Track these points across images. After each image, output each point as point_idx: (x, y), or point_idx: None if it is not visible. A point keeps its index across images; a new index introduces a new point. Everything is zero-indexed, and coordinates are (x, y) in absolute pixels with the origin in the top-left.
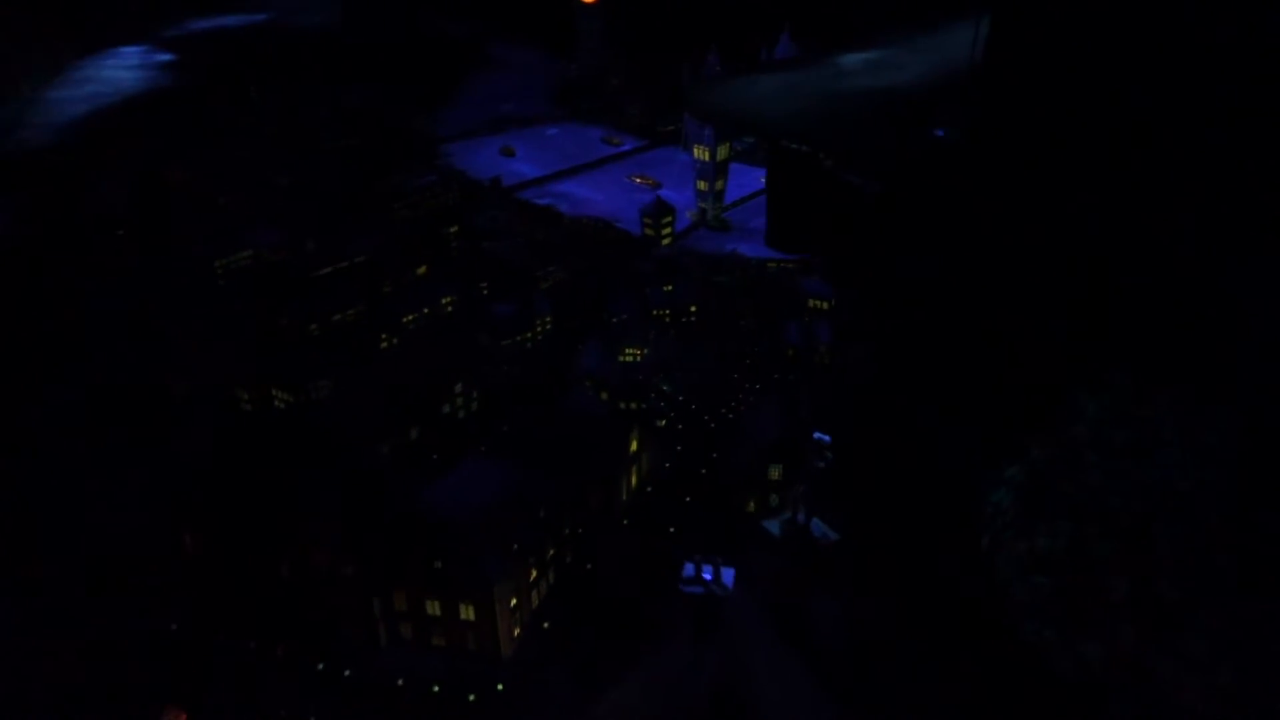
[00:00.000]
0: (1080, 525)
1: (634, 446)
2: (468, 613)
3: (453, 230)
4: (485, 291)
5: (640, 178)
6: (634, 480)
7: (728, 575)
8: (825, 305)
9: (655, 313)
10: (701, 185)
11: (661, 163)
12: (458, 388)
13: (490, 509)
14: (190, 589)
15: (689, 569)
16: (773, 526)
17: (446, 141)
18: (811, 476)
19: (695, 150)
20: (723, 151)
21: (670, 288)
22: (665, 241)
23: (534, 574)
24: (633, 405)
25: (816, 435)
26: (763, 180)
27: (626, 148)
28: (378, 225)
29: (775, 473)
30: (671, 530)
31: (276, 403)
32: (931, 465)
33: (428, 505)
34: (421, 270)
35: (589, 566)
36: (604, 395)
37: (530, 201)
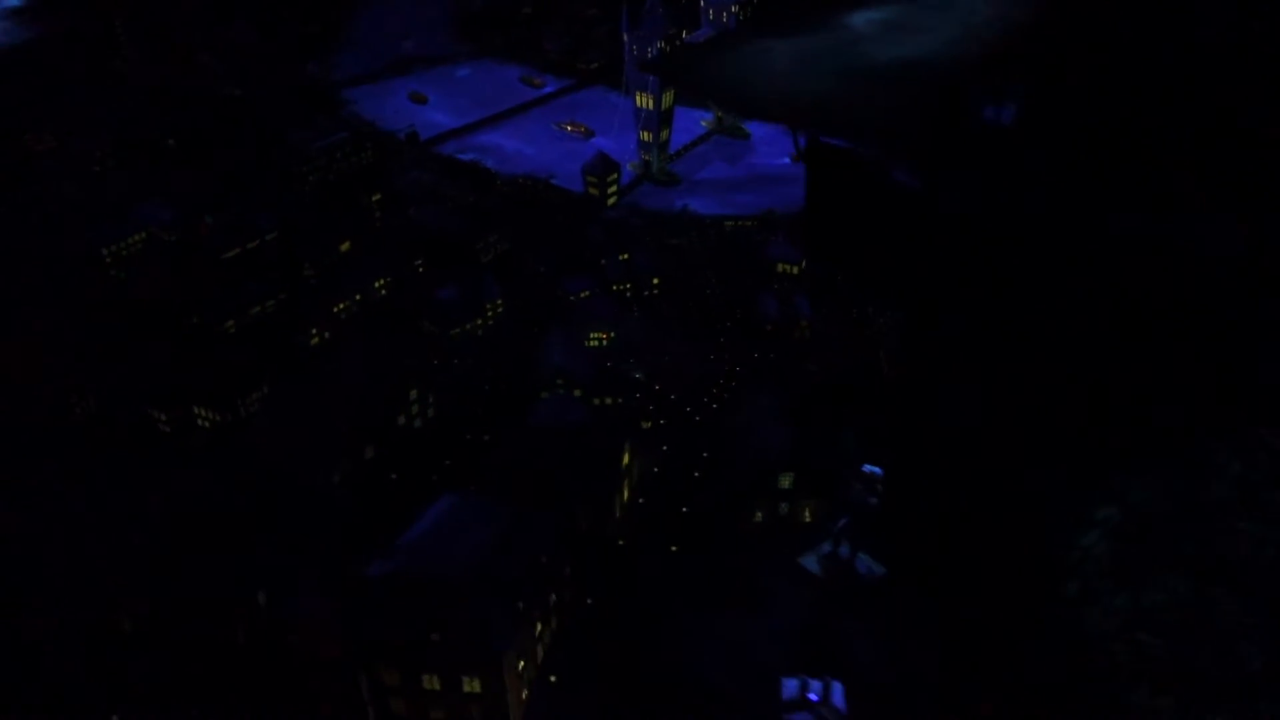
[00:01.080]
0: (1206, 584)
1: (625, 459)
2: (472, 685)
3: (375, 199)
4: (421, 270)
5: (571, 125)
6: (625, 494)
7: (837, 693)
8: (795, 270)
9: (615, 287)
10: (645, 136)
11: (590, 105)
12: (412, 394)
13: (485, 560)
14: (129, 683)
15: (791, 687)
16: (811, 563)
17: (346, 87)
18: (858, 510)
19: (637, 97)
20: (668, 99)
21: (626, 256)
22: (611, 201)
23: (539, 628)
24: (608, 401)
25: (867, 468)
26: (703, 124)
27: (549, 89)
28: (285, 194)
29: (786, 481)
30: (673, 549)
31: (201, 422)
32: (1008, 501)
33: (411, 558)
34: (345, 247)
35: (589, 601)
36: (577, 393)
37: (454, 158)
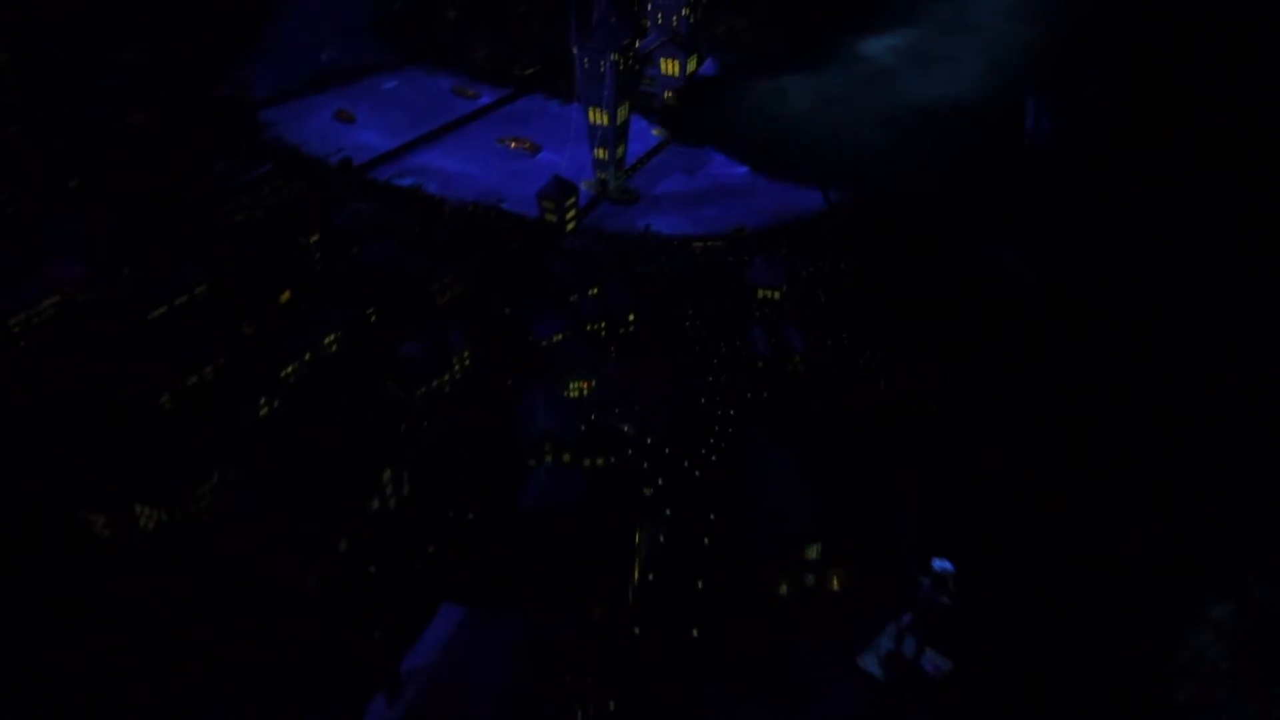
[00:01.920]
0: None
1: (635, 538)
2: None
3: (313, 239)
4: (373, 318)
5: (515, 140)
6: (636, 574)
7: None
8: (776, 295)
9: (589, 327)
10: (600, 153)
11: (531, 116)
12: (385, 474)
13: (506, 689)
14: None
15: None
16: (871, 664)
17: (263, 107)
18: (925, 608)
19: (591, 113)
20: (623, 113)
21: (596, 291)
22: (570, 227)
23: None
24: (599, 462)
25: (938, 565)
26: (655, 133)
27: (485, 100)
28: (212, 238)
29: (813, 552)
30: (694, 634)
31: (144, 523)
32: (1107, 592)
33: (422, 695)
34: (285, 297)
35: (611, 707)
36: (566, 457)
37: (392, 184)
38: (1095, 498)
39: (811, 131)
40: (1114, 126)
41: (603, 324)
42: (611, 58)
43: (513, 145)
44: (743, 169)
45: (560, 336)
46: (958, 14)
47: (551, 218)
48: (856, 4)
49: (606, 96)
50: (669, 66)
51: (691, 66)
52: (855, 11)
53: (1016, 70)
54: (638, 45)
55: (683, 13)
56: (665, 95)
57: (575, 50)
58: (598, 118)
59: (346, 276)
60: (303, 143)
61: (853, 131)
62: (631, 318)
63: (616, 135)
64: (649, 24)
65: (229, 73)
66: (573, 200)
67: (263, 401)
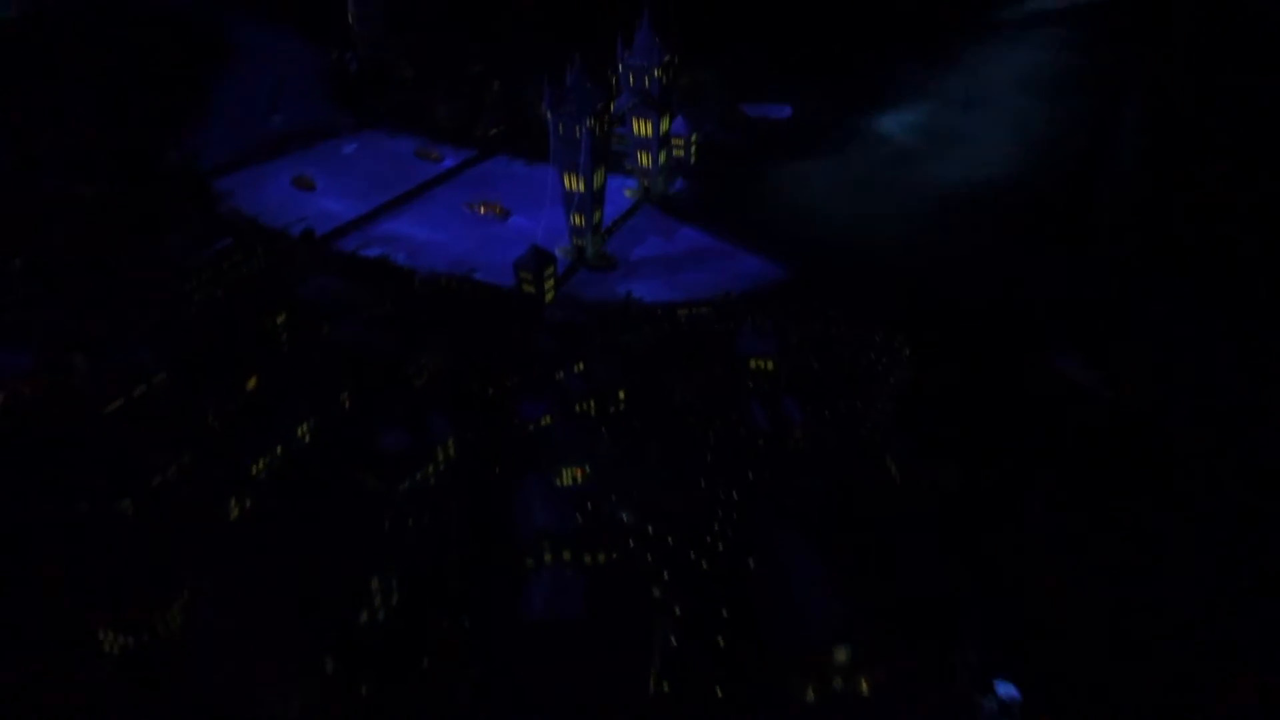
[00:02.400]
0: None
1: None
2: None
3: (279, 319)
4: (348, 404)
5: (484, 205)
6: (651, 684)
7: None
8: (769, 365)
9: (578, 407)
10: (577, 219)
11: (498, 179)
12: (374, 583)
13: None
14: None
15: None
16: None
17: (217, 175)
18: None
19: (566, 179)
20: (599, 178)
21: (582, 366)
22: (549, 297)
23: None
24: (601, 558)
25: (1003, 692)
26: (627, 193)
27: (449, 162)
28: (170, 321)
29: (842, 654)
30: None
31: (108, 649)
32: None
33: None
34: (252, 384)
35: None
36: (566, 555)
37: (358, 254)
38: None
39: (839, 221)
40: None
41: (591, 402)
42: (586, 123)
43: (482, 210)
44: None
45: (548, 419)
46: (969, 88)
47: (530, 289)
48: (863, 75)
49: (582, 162)
50: (642, 127)
51: (664, 127)
52: (864, 83)
53: (1046, 151)
54: (611, 108)
55: (655, 74)
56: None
57: (549, 115)
58: (573, 184)
59: (316, 359)
60: (261, 212)
61: (886, 223)
62: (622, 395)
63: (593, 201)
64: (621, 86)
65: (177, 139)
66: (551, 270)
67: (233, 503)
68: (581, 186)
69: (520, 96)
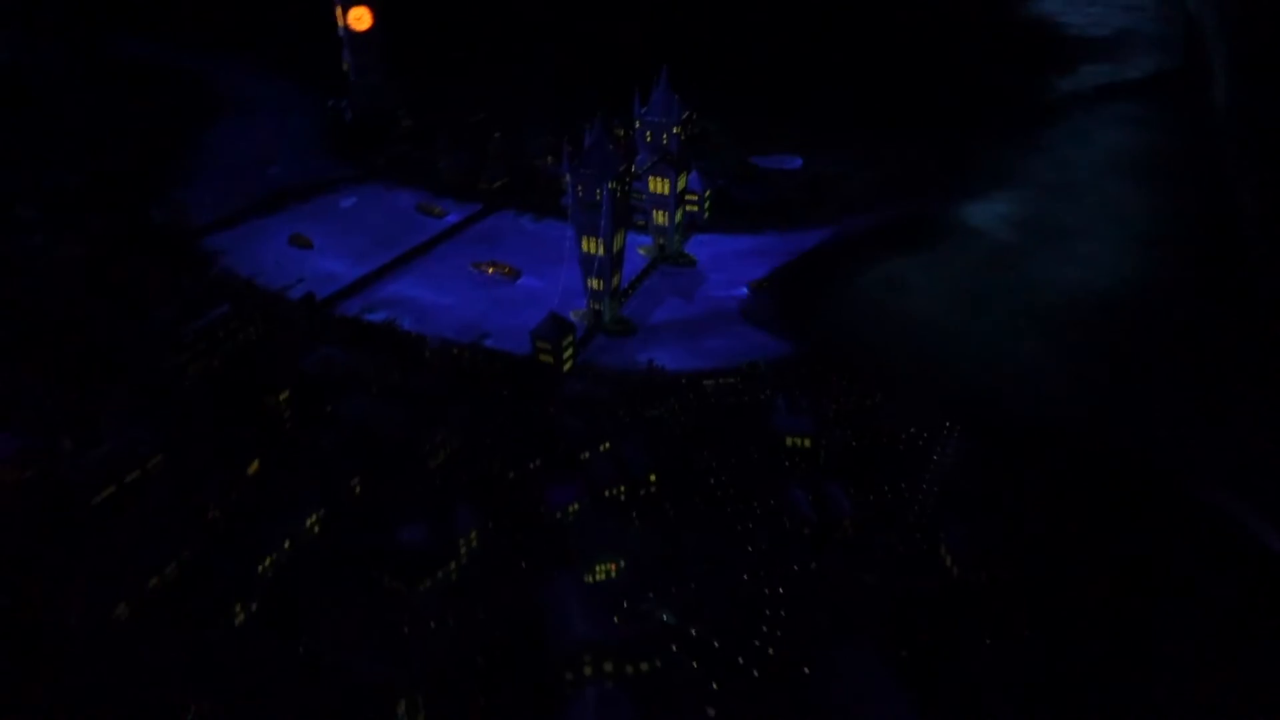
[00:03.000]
0: None
1: None
2: None
3: (282, 396)
4: (358, 489)
5: (492, 265)
6: None
7: None
8: (806, 443)
9: (607, 493)
10: (595, 284)
11: (503, 235)
12: (400, 708)
13: None
14: None
15: None
16: None
17: (208, 233)
18: None
19: (584, 242)
20: (619, 240)
21: (608, 446)
22: (567, 367)
23: None
24: (644, 667)
25: None
26: (641, 251)
27: (453, 218)
28: (164, 399)
29: None
30: None
31: None
32: None
33: None
34: (254, 469)
35: None
36: (608, 666)
37: (362, 319)
38: None
39: (941, 334)
40: None
41: (622, 489)
42: (608, 185)
43: (490, 270)
44: (741, 290)
45: (576, 506)
46: (1058, 173)
47: (548, 359)
48: (938, 155)
49: (603, 226)
50: (658, 185)
51: (681, 184)
52: (941, 165)
53: (1166, 246)
54: (632, 168)
55: (674, 130)
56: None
57: (568, 178)
58: (592, 247)
59: (324, 439)
60: (257, 274)
61: (999, 338)
62: (653, 478)
63: (613, 264)
64: (636, 143)
65: (165, 195)
66: (570, 339)
67: (238, 607)
68: (601, 250)
69: (524, 147)
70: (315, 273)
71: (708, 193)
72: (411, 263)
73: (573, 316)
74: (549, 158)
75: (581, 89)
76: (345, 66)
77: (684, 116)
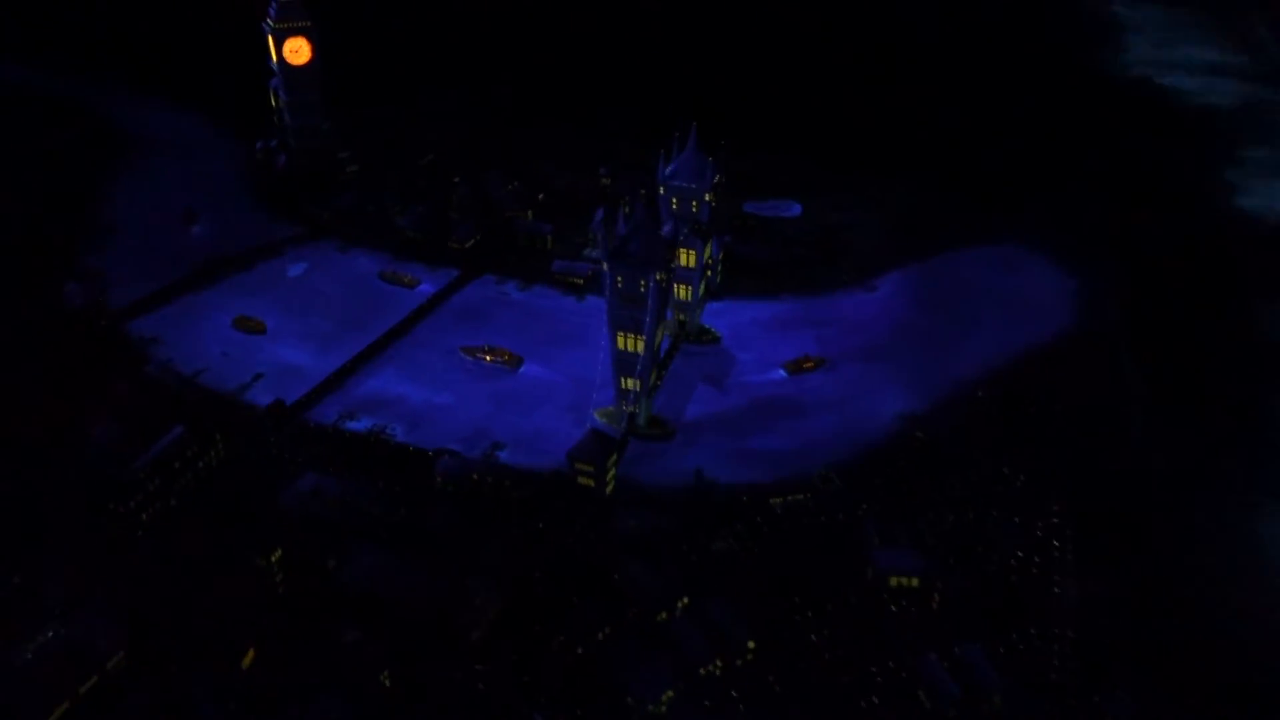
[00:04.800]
0: None
1: None
2: None
3: (274, 557)
4: (388, 682)
5: (488, 352)
6: None
7: None
8: (913, 583)
9: (702, 671)
10: (629, 384)
11: (489, 308)
12: None
13: None
14: None
15: None
16: None
17: (132, 316)
18: None
19: (620, 339)
20: (660, 333)
21: (686, 602)
22: (609, 489)
23: None
24: None
25: None
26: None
27: (427, 288)
28: (114, 568)
29: None
30: None
31: None
32: None
33: None
34: (248, 660)
35: None
36: None
37: (343, 429)
38: None
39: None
40: None
41: (718, 662)
42: (655, 277)
43: (487, 358)
44: (776, 373)
45: (670, 694)
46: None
47: (588, 483)
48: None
49: (648, 323)
50: (686, 258)
51: (707, 254)
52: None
53: None
54: (675, 251)
55: (705, 198)
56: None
57: (606, 267)
58: (630, 344)
59: (330, 611)
60: (203, 370)
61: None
62: (751, 646)
63: (652, 363)
64: (662, 211)
65: (74, 266)
66: (615, 458)
67: None
68: (641, 348)
69: (489, 196)
70: (272, 365)
71: (720, 255)
72: (388, 348)
73: (599, 419)
74: (529, 212)
75: (541, 125)
76: (275, 103)
77: (715, 181)
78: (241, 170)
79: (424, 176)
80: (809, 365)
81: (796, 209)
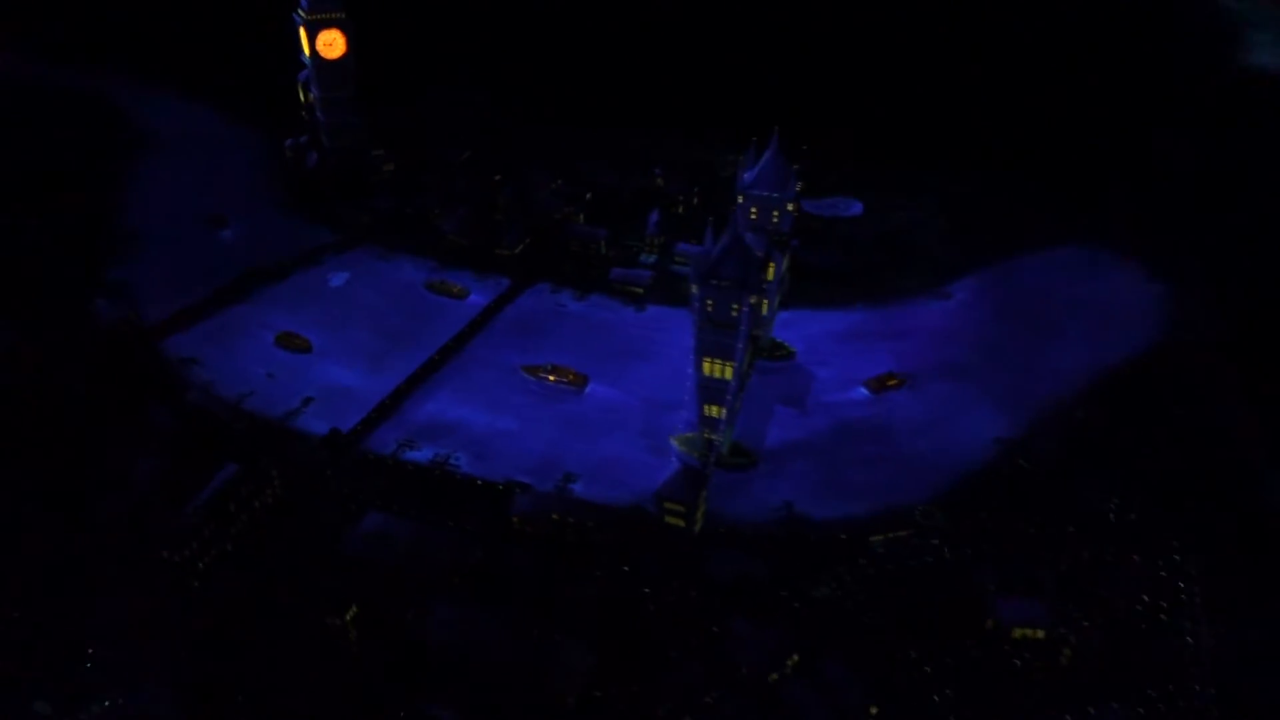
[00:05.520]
0: None
1: None
2: None
3: (349, 615)
4: None
5: (551, 372)
6: None
7: None
8: (1038, 634)
9: None
10: (713, 411)
11: (545, 320)
12: None
13: None
14: None
15: None
16: None
17: (167, 334)
18: None
19: (707, 365)
20: (750, 358)
21: (797, 660)
22: (698, 526)
23: None
24: None
25: None
26: None
27: (477, 299)
28: (167, 626)
29: None
30: None
31: None
32: None
33: None
34: None
35: None
36: None
37: (402, 459)
38: None
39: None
40: None
41: None
42: (749, 300)
43: (550, 378)
44: (858, 391)
45: None
46: None
47: (678, 522)
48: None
49: (740, 348)
50: (765, 271)
51: (786, 265)
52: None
53: None
54: (772, 274)
55: (788, 207)
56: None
57: (696, 289)
58: (718, 370)
59: (409, 678)
60: (247, 395)
61: None
62: (874, 711)
63: (739, 390)
64: (739, 221)
65: (103, 279)
66: (704, 494)
67: None
68: (729, 374)
69: (534, 196)
70: (321, 387)
71: (786, 261)
72: (443, 367)
73: (677, 446)
74: (580, 215)
75: (580, 121)
76: (304, 98)
77: (798, 190)
78: (269, 169)
79: (463, 175)
80: (893, 383)
81: (858, 208)
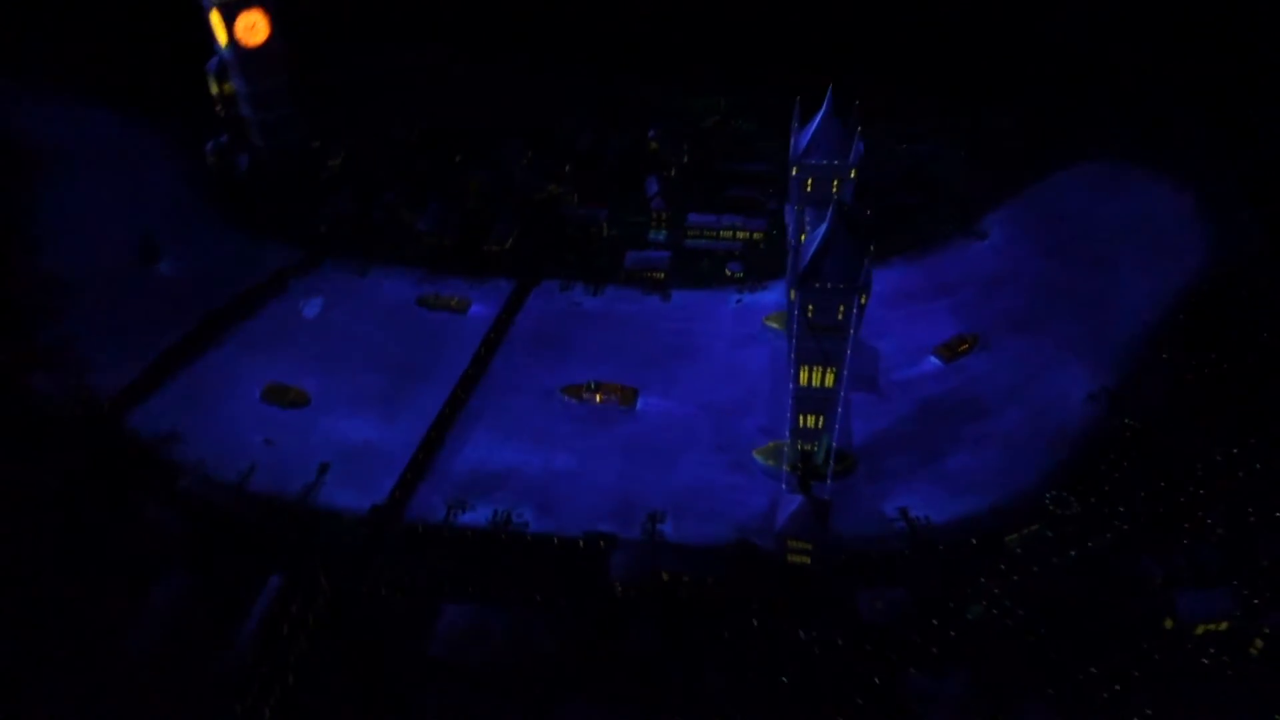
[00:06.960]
0: None
1: None
2: None
3: None
4: None
5: (599, 390)
6: None
7: None
8: (1222, 627)
9: None
10: (809, 421)
11: (565, 325)
12: None
13: None
14: None
15: None
16: None
17: (125, 404)
18: None
19: (803, 373)
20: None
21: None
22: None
23: None
24: None
25: None
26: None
27: (481, 311)
28: None
29: None
30: None
31: None
32: None
33: None
34: None
35: None
36: None
37: (455, 525)
38: None
39: None
40: None
41: None
42: (858, 301)
43: (599, 398)
44: (931, 362)
45: None
46: None
47: (803, 560)
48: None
49: (848, 355)
50: None
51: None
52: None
53: None
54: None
55: (850, 175)
56: None
57: (794, 293)
58: (817, 378)
59: None
60: (249, 472)
61: None
62: None
63: (837, 399)
64: (792, 192)
65: (40, 346)
66: (825, 526)
67: None
68: (831, 382)
69: (510, 173)
70: (334, 447)
71: None
72: (469, 401)
73: (760, 460)
74: (574, 195)
75: (537, 70)
76: (217, 90)
77: (861, 157)
78: (193, 180)
79: (421, 156)
80: (964, 348)
81: (860, 147)
